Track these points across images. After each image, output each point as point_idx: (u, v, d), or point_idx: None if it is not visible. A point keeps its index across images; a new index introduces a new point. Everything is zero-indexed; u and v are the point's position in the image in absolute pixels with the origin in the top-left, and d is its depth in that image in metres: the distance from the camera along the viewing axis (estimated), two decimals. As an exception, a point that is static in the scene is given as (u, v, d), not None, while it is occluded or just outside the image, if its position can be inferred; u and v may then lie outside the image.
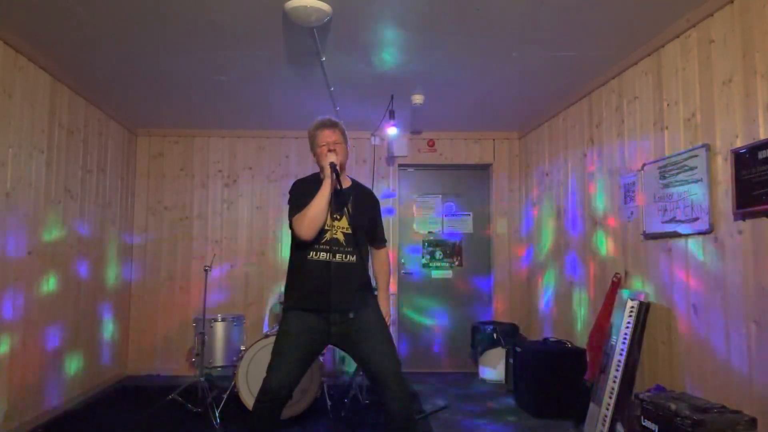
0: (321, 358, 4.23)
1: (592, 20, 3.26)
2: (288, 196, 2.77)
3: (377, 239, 2.93)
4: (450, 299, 5.95)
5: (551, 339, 4.62)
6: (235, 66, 4.02)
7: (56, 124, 4.12)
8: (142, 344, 5.62)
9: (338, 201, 2.66)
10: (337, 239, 2.66)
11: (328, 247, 2.64)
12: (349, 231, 2.68)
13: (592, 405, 3.62)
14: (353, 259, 2.68)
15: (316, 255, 2.64)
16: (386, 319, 2.79)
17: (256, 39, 3.54)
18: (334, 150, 2.67)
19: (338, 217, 2.68)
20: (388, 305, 2.87)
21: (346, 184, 2.78)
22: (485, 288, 5.99)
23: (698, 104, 3.11)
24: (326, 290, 2.61)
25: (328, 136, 2.70)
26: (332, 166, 2.60)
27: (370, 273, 2.81)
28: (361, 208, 2.76)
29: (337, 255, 2.65)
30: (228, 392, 4.21)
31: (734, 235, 2.81)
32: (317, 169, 2.82)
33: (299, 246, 2.66)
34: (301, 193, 2.68)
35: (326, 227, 2.65)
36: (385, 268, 2.99)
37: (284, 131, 5.85)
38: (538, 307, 5.47)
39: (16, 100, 3.60)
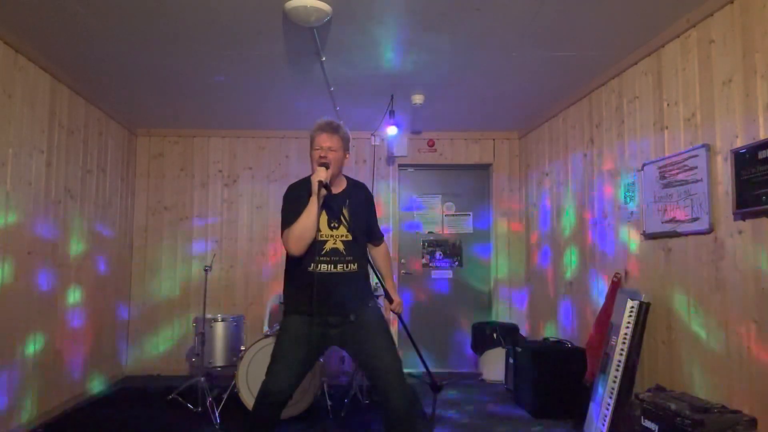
0: (321, 359, 4.22)
1: (592, 20, 3.26)
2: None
3: (375, 236, 2.91)
4: (450, 299, 5.95)
5: (551, 339, 4.62)
6: (236, 66, 4.02)
7: (56, 124, 4.11)
8: (142, 344, 5.63)
9: (333, 210, 2.61)
10: (337, 249, 2.63)
11: (328, 258, 2.61)
12: (349, 238, 2.64)
13: (592, 405, 3.62)
14: (354, 267, 2.65)
15: (317, 267, 2.59)
16: (399, 308, 2.75)
17: (256, 39, 3.53)
18: (326, 158, 2.59)
19: (336, 225, 2.64)
20: (397, 294, 2.80)
21: (341, 186, 2.74)
22: (485, 288, 6.00)
23: (698, 104, 3.11)
24: (327, 299, 2.58)
25: (323, 140, 2.63)
26: (320, 184, 2.51)
27: (371, 273, 2.79)
28: (358, 210, 2.73)
29: (338, 265, 2.63)
30: (228, 392, 4.22)
31: (734, 235, 2.81)
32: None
33: (300, 257, 2.59)
34: (292, 206, 2.61)
35: (325, 237, 2.62)
36: (387, 261, 2.98)
37: (284, 131, 5.85)
38: (538, 306, 5.47)
39: (16, 100, 3.60)
